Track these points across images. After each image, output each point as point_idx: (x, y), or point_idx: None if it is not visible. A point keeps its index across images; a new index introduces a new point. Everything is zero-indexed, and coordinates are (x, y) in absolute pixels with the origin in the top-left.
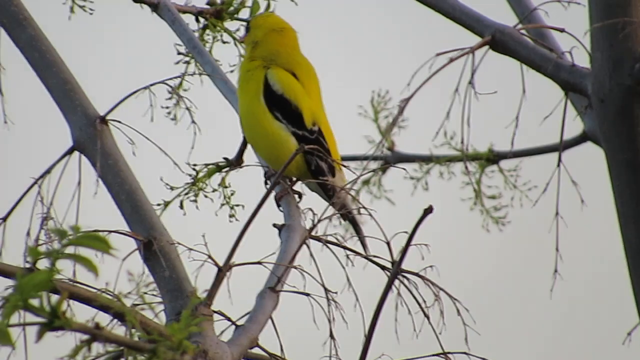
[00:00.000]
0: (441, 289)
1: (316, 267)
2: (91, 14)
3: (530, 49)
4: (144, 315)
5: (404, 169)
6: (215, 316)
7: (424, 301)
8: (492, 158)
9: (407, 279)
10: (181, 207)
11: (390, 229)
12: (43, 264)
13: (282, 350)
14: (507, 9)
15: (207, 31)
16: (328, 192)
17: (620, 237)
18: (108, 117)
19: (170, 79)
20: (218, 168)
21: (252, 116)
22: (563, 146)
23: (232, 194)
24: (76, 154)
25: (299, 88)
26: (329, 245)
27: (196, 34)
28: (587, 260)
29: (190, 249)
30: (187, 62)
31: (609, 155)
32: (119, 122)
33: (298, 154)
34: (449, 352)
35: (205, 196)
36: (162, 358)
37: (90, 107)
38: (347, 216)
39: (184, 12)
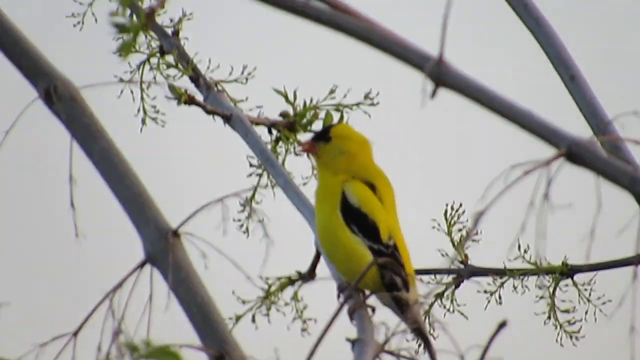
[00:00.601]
0: None
1: None
2: (163, 126)
3: (606, 161)
4: None
5: (478, 282)
6: None
7: None
8: (566, 272)
9: None
10: (253, 320)
11: (464, 343)
12: None
13: None
14: (582, 122)
15: (280, 143)
16: (401, 306)
17: None
18: (180, 230)
19: (243, 191)
20: (290, 281)
21: (329, 229)
22: (638, 259)
23: (304, 308)
24: (148, 267)
25: (376, 202)
26: (402, 359)
27: (268, 146)
28: None
29: None
30: (260, 175)
31: None
32: (192, 235)
33: (372, 267)
34: None
35: (278, 310)
36: None
37: (163, 220)
38: (420, 331)
39: (257, 123)
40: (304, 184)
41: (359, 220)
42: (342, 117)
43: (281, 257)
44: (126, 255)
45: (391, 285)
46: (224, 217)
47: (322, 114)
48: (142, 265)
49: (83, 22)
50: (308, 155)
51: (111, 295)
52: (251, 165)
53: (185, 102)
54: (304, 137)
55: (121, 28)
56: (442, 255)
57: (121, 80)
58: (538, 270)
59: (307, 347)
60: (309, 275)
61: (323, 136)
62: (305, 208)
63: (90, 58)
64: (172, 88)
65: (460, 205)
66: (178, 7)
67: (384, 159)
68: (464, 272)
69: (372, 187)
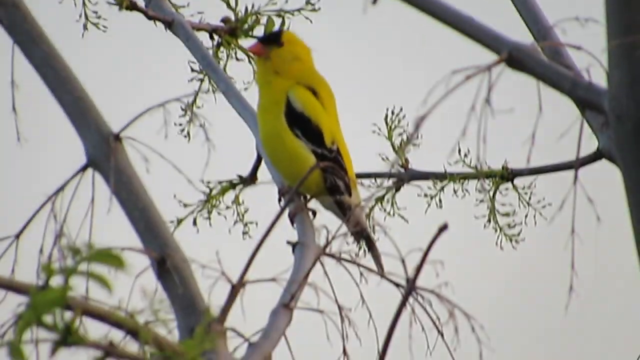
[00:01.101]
0: (455, 306)
1: (330, 284)
2: (104, 31)
3: (547, 66)
4: (157, 333)
5: (418, 186)
6: (229, 333)
7: (438, 318)
8: (507, 176)
9: (422, 296)
10: (194, 224)
11: (405, 246)
12: (56, 281)
13: None
14: (523, 27)
15: (221, 49)
16: (343, 210)
17: (637, 254)
18: (122, 135)
19: (185, 96)
20: (232, 185)
21: (273, 133)
22: (579, 163)
23: (245, 212)
24: (90, 171)
25: (320, 107)
26: (343, 262)
27: (210, 52)
28: (602, 277)
29: (204, 266)
30: (201, 80)
31: (625, 172)
32: (133, 139)
33: (314, 170)
34: None
35: (219, 213)
36: None
37: (104, 124)
38: (362, 234)
39: (198, 29)
40: (245, 89)
41: (302, 125)
42: (283, 23)
43: (222, 161)
44: (68, 159)
45: (333, 189)
46: (166, 121)
47: (263, 20)
48: (84, 169)
49: None
50: (250, 60)
51: (53, 198)
52: (192, 70)
53: (127, 8)
54: (246, 42)
55: None
56: (383, 159)
57: None
58: (478, 174)
59: (248, 250)
60: (250, 179)
61: (275, 41)
62: (246, 112)
63: None
64: None
65: (401, 109)
66: None
67: (325, 66)
68: (405, 176)
69: (315, 93)
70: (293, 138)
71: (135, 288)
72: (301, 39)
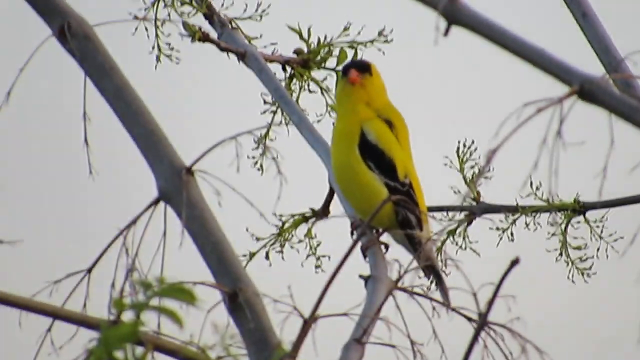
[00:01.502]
0: (528, 340)
1: (402, 318)
2: (177, 63)
3: (619, 99)
4: None
5: (490, 219)
6: None
7: (511, 353)
8: (579, 209)
9: (494, 330)
10: (267, 257)
11: (476, 280)
12: (128, 315)
13: None
14: (594, 59)
15: (294, 80)
16: (414, 244)
17: None
18: (194, 168)
19: (257, 128)
20: (304, 218)
21: (347, 165)
22: None
23: (318, 245)
24: (162, 205)
25: (394, 139)
26: (415, 296)
27: (283, 83)
28: None
29: (276, 301)
30: (274, 112)
31: None
32: (205, 172)
33: (386, 204)
34: None
35: (292, 247)
36: None
37: (176, 157)
38: (432, 268)
39: (271, 61)
40: (318, 121)
41: (376, 157)
42: (356, 54)
43: (295, 194)
44: (140, 192)
45: (405, 223)
46: (238, 154)
47: (336, 52)
48: (155, 202)
49: None
50: (323, 92)
51: (125, 232)
52: (265, 102)
53: (200, 40)
54: (318, 74)
55: None
56: (455, 192)
57: (135, 17)
58: (550, 207)
59: (320, 284)
60: (323, 213)
61: (366, 70)
62: (318, 145)
63: None
64: (186, 25)
65: (473, 142)
66: None
67: (397, 97)
68: (477, 209)
69: (390, 124)
70: (366, 170)
71: (207, 323)
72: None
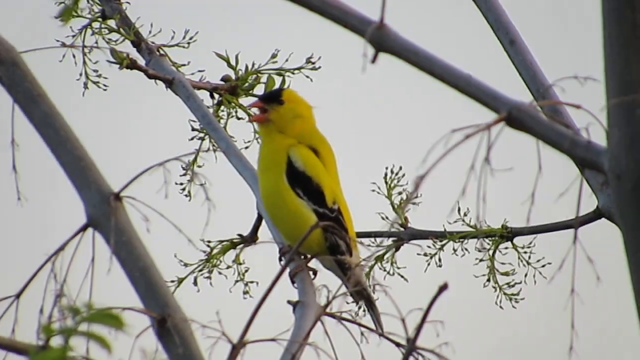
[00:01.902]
0: None
1: (330, 344)
2: (105, 90)
3: (547, 125)
4: None
5: (418, 245)
6: None
7: None
8: (506, 235)
9: (422, 355)
10: (195, 283)
11: (405, 305)
12: (56, 341)
13: None
14: (522, 86)
15: (222, 107)
16: (344, 270)
17: (636, 314)
18: (122, 194)
19: (185, 155)
20: (232, 245)
21: (275, 192)
22: (578, 222)
23: (246, 271)
24: (90, 231)
25: (321, 166)
26: (343, 322)
27: (211, 110)
28: (603, 337)
29: (204, 326)
30: (202, 139)
31: (625, 231)
32: (133, 198)
33: (314, 229)
34: None
35: (220, 273)
36: None
37: (104, 184)
38: (362, 294)
39: (199, 88)
40: (246, 147)
41: (304, 184)
42: (283, 82)
43: (223, 220)
44: (69, 219)
45: (334, 249)
46: (166, 180)
47: (264, 79)
48: (84, 228)
49: None
50: (250, 120)
51: (54, 258)
52: (193, 129)
53: (127, 67)
54: (246, 101)
55: None
56: (383, 218)
57: (63, 44)
58: (478, 233)
59: (249, 309)
60: (251, 239)
61: (275, 99)
62: (247, 172)
63: (31, 22)
64: (114, 52)
65: (400, 168)
66: None
67: (325, 124)
68: (404, 235)
69: (315, 151)
70: (294, 197)
71: (135, 348)
72: (302, 97)
